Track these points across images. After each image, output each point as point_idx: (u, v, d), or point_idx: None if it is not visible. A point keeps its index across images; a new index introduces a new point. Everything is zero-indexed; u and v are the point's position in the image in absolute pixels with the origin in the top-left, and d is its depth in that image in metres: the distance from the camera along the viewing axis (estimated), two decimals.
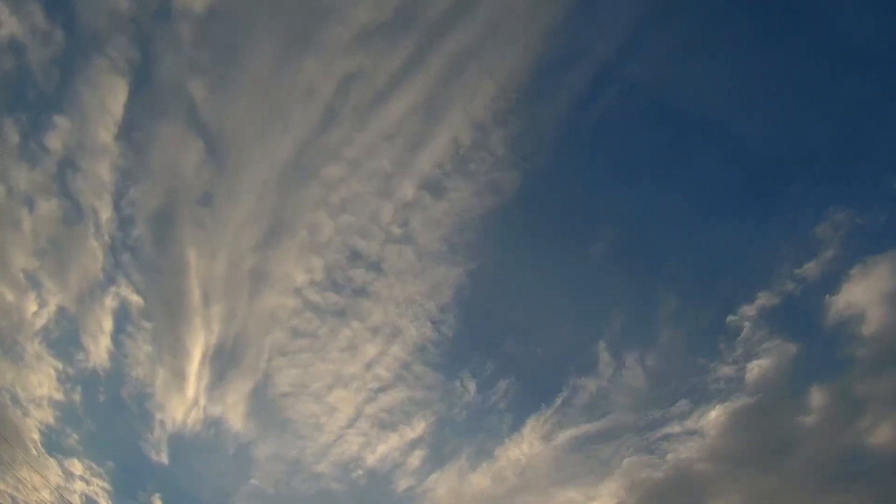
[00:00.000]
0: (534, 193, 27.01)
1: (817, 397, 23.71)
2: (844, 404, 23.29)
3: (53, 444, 35.95)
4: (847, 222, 22.18)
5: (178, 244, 29.23)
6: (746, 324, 24.08)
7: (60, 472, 37.26)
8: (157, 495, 36.13)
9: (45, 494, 39.31)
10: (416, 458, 33.17)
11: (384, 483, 34.03)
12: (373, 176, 27.23)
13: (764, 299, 23.86)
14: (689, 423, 26.03)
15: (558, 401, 29.53)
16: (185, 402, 34.67)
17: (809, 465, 24.14)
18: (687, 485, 26.24)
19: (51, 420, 34.83)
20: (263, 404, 33.97)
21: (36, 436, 36.27)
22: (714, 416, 25.37)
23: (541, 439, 30.48)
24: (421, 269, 28.90)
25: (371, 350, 31.39)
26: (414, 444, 32.91)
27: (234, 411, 34.03)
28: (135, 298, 30.46)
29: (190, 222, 28.64)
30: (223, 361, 33.17)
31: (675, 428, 26.37)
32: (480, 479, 31.85)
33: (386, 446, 33.44)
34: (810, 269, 22.90)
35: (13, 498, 36.94)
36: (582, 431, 29.49)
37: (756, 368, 24.29)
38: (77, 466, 36.58)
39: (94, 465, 35.26)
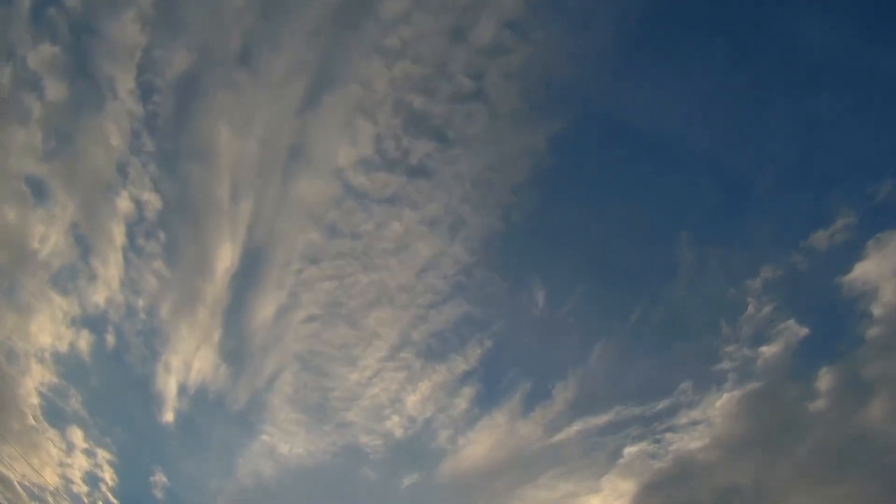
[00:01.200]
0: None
1: (825, 379, 22.89)
2: (853, 387, 22.38)
3: (55, 412, 33.96)
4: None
5: (208, 116, 25.46)
6: (751, 300, 23.50)
7: (63, 446, 35.07)
8: (161, 470, 33.73)
9: (47, 475, 36.98)
10: (463, 399, 28.57)
11: (423, 433, 29.64)
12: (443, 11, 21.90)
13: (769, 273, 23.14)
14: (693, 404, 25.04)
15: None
16: (199, 340, 30.81)
17: (817, 450, 23.21)
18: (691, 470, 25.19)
19: (53, 378, 32.98)
20: (285, 334, 29.40)
21: (35, 400, 34.27)
22: (719, 401, 24.70)
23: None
24: (496, 136, 23.49)
25: (425, 250, 25.99)
26: (463, 380, 28.14)
27: (252, 344, 29.30)
28: (152, 199, 26.12)
29: (223, 87, 24.88)
30: (245, 280, 26.26)
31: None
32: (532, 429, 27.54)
33: (430, 383, 28.49)
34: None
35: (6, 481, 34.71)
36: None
37: (763, 348, 23.72)
38: (78, 435, 34.59)
39: (98, 434, 33.47)
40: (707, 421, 25.36)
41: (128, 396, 32.71)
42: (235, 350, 29.47)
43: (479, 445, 29.40)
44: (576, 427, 27.07)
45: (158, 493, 35.99)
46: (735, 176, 23.52)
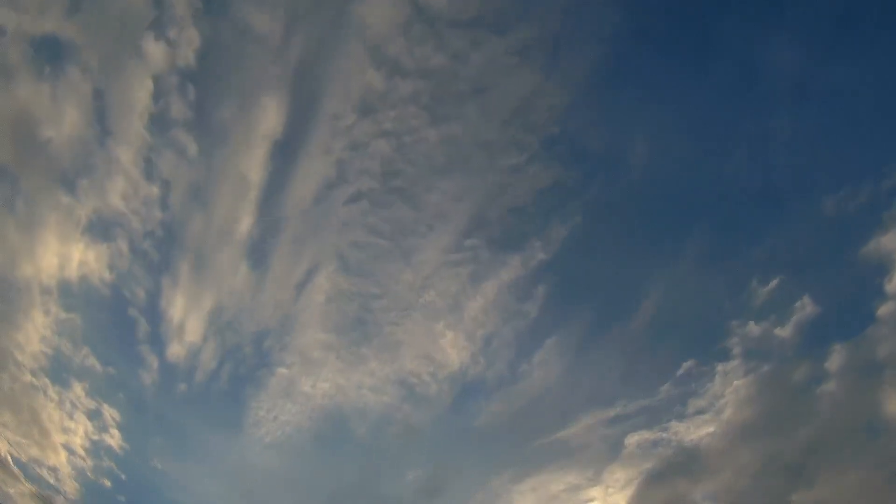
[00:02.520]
0: None
1: (835, 359, 21.60)
2: (864, 367, 21.13)
3: (60, 363, 30.99)
4: None
5: None
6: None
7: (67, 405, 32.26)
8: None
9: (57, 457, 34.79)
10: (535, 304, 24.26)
11: (485, 354, 25.53)
12: None
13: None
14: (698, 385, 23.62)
15: None
16: (220, 236, 26.32)
17: (826, 434, 22.15)
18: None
19: (60, 312, 29.45)
20: (325, 221, 24.76)
21: (38, 346, 30.91)
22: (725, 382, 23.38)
23: None
24: None
25: (514, 91, 20.43)
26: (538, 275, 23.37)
27: (283, 237, 25.03)
28: (190, 37, 21.57)
29: None
30: (287, 148, 21.52)
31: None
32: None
33: (497, 284, 23.81)
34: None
35: None
36: None
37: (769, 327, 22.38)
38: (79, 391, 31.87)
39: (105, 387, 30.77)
40: (713, 405, 23.91)
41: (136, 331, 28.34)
42: (261, 249, 23.59)
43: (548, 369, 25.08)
44: None
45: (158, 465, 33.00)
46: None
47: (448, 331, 25.48)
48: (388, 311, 25.15)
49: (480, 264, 23.36)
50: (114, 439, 33.95)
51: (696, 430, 24.16)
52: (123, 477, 34.76)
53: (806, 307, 21.90)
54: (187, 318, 28.08)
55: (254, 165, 22.95)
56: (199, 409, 31.83)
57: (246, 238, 24.89)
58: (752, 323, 22.57)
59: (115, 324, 29.38)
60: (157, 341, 29.23)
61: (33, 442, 35.78)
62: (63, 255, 26.89)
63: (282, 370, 28.39)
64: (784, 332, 22.18)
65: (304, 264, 25.10)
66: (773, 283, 22.09)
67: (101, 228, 25.28)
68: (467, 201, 22.31)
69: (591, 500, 26.31)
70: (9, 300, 29.15)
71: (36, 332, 29.65)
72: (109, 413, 32.83)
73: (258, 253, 25.15)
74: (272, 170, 22.86)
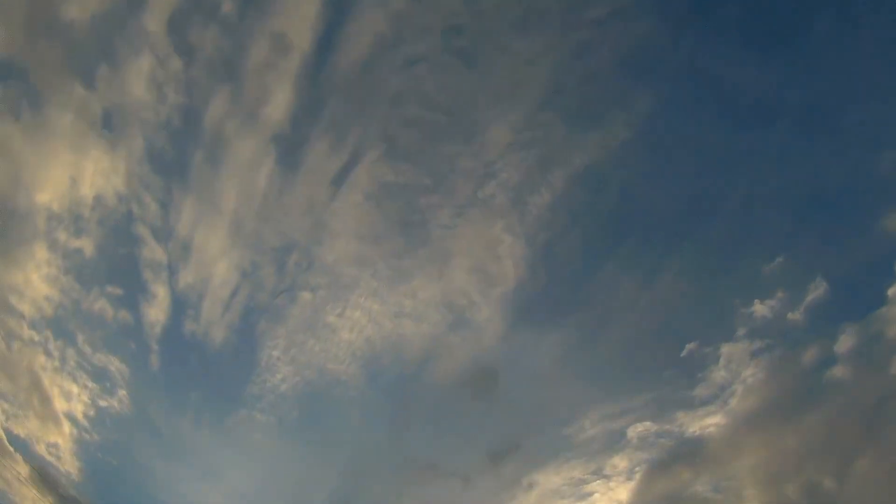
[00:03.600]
0: None
1: (845, 341, 20.62)
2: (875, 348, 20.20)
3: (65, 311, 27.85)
4: None
5: None
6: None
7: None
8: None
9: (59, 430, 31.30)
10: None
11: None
12: None
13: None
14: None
15: None
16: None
17: (835, 419, 21.05)
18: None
19: (69, 241, 26.04)
20: (377, 88, 21.24)
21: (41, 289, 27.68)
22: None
23: None
24: None
25: None
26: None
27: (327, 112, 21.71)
28: None
29: None
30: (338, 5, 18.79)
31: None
32: None
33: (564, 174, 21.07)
34: None
35: None
36: None
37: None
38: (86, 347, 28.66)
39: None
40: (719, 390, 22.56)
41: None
42: (294, 135, 20.27)
43: None
44: None
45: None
46: None
47: (507, 235, 21.73)
48: (439, 209, 21.44)
49: (551, 146, 19.85)
50: (121, 403, 30.30)
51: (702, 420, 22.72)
52: (129, 446, 31.51)
53: (817, 287, 21.01)
54: (201, 233, 23.89)
55: (298, 22, 19.39)
56: (209, 357, 27.17)
57: (276, 121, 21.09)
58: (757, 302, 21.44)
59: (125, 253, 26.16)
60: (169, 269, 24.76)
61: (32, 413, 30.70)
62: (73, 166, 24.10)
63: (305, 295, 24.19)
64: (793, 312, 21.20)
65: (343, 153, 21.43)
66: (780, 262, 21.12)
67: (115, 124, 22.52)
68: (542, 65, 18.93)
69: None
70: (8, 234, 24.73)
71: (39, 272, 26.40)
72: (117, 368, 28.83)
73: (289, 141, 21.39)
74: (318, 28, 19.30)
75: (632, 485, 24.32)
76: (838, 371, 20.79)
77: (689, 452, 23.27)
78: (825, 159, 20.25)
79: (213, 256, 24.85)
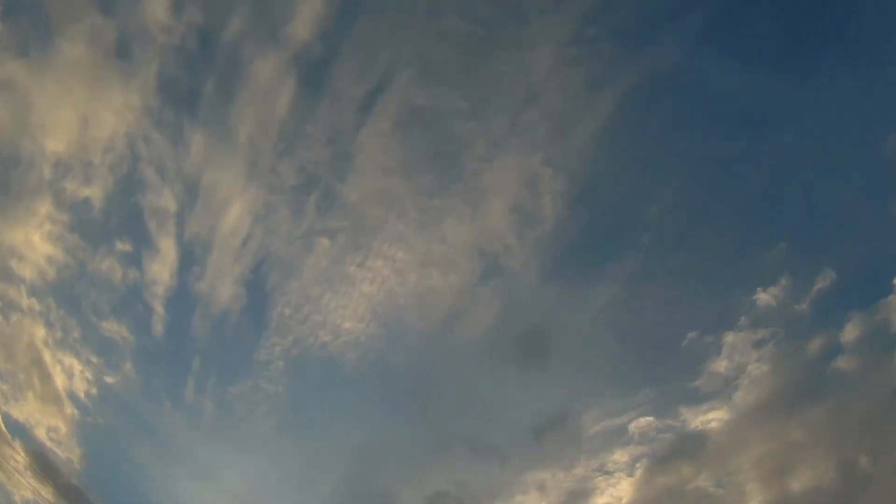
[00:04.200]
0: None
1: (851, 331, 20.06)
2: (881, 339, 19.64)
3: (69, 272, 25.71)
4: None
5: None
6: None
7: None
8: None
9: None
10: None
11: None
12: None
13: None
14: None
15: None
16: None
17: (841, 410, 20.38)
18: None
19: (77, 191, 24.18)
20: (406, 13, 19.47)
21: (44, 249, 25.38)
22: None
23: None
24: None
25: None
26: None
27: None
28: None
29: None
30: None
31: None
32: None
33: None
34: None
35: None
36: None
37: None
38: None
39: None
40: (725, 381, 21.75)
41: None
42: (319, 54, 18.79)
43: None
44: None
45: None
46: None
47: (547, 169, 19.87)
48: (475, 138, 19.51)
49: (600, 63, 18.20)
50: (126, 379, 28.40)
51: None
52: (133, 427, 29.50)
53: (824, 276, 20.47)
54: (212, 171, 21.88)
55: None
56: (215, 319, 24.94)
57: (300, 40, 19.30)
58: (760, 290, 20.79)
59: (133, 202, 24.39)
60: (177, 217, 22.81)
61: (32, 394, 28.53)
62: (85, 104, 22.46)
63: (323, 242, 22.07)
64: (798, 300, 20.63)
65: (373, 74, 19.61)
66: (784, 249, 20.61)
67: (131, 51, 21.21)
68: None
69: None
70: (9, 186, 23.38)
71: (41, 230, 24.69)
72: (123, 338, 27.36)
73: (313, 62, 19.58)
74: None
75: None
76: (844, 362, 20.18)
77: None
78: (831, 147, 19.74)
79: (224, 199, 22.73)
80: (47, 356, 28.66)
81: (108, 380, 28.59)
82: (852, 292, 20.31)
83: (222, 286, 24.64)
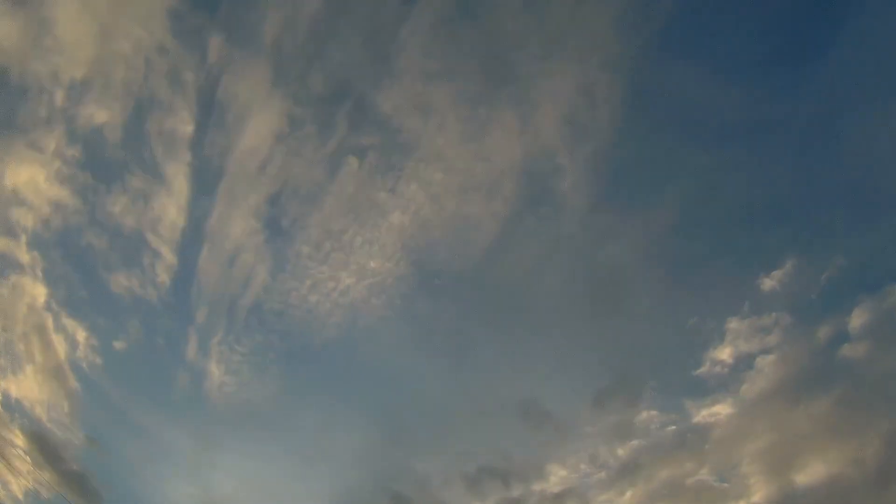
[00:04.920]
0: None
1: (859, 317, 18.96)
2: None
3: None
4: None
5: None
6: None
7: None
8: None
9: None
10: None
11: None
12: None
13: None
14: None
15: None
16: None
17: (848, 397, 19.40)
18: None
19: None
20: None
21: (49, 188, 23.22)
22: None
23: None
24: None
25: None
26: None
27: None
28: None
29: None
30: None
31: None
32: None
33: None
34: None
35: None
36: None
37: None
38: None
39: None
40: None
41: None
42: None
43: None
44: None
45: None
46: None
47: (606, 73, 17.83)
48: (529, 36, 17.43)
49: None
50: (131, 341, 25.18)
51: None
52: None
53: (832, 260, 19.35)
54: (230, 81, 19.70)
55: None
56: (224, 263, 22.46)
57: None
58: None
59: (147, 127, 22.01)
60: (191, 142, 20.73)
61: (31, 367, 25.59)
62: (106, 14, 20.45)
63: (351, 162, 19.73)
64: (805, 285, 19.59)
65: None
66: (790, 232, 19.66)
67: None
68: None
69: None
70: (13, 121, 21.98)
71: (49, 169, 22.70)
72: (128, 294, 25.10)
73: None
74: None
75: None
76: (852, 349, 19.08)
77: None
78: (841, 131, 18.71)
79: (242, 114, 20.28)
80: (49, 321, 25.44)
81: (117, 345, 25.25)
82: (861, 277, 19.10)
83: (235, 221, 21.85)
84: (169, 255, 23.70)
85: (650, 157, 20.73)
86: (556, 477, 23.16)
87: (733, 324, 19.98)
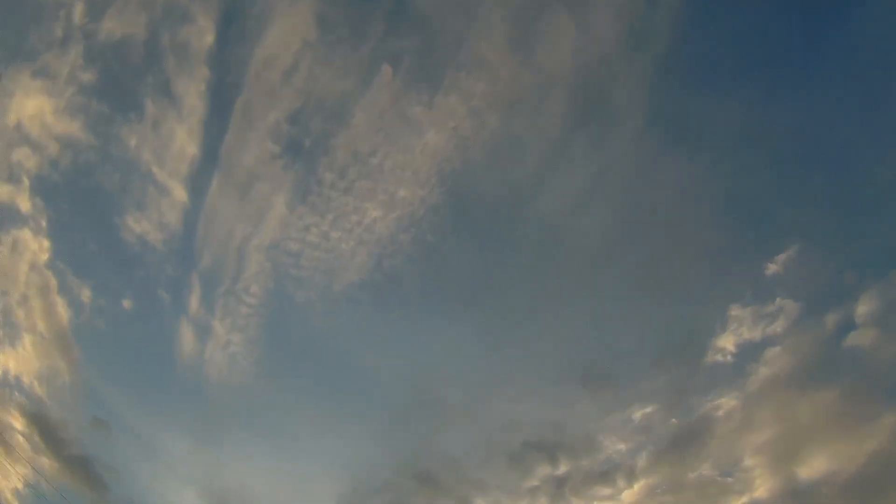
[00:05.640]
0: None
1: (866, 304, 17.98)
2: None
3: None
4: None
5: None
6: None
7: None
8: None
9: None
10: None
11: None
12: None
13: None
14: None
15: None
16: None
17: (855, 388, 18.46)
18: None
19: None
20: None
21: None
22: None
23: None
24: None
25: None
26: None
27: None
28: None
29: None
30: None
31: None
32: None
33: None
34: None
35: None
36: None
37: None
38: None
39: None
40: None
41: None
42: None
43: None
44: None
45: None
46: None
47: None
48: None
49: None
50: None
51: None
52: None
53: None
54: None
55: None
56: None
57: None
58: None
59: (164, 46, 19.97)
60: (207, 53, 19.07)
61: (29, 338, 24.02)
62: None
63: (384, 71, 18.05)
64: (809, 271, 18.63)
65: None
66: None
67: None
68: None
69: None
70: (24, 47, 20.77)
71: (60, 99, 20.82)
72: (146, 243, 22.63)
73: None
74: None
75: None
76: (858, 337, 17.99)
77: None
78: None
79: (265, 17, 18.62)
80: (52, 280, 22.78)
81: (125, 304, 22.52)
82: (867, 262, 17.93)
83: (251, 144, 19.66)
84: (178, 191, 21.33)
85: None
86: (609, 450, 19.83)
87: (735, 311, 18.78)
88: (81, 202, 22.29)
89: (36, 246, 22.87)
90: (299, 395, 23.04)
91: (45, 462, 24.16)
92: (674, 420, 19.89)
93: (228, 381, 22.89)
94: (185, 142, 20.84)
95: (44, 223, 22.28)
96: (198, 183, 21.25)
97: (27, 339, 24.02)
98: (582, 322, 20.63)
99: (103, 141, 20.94)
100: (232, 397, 23.41)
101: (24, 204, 22.29)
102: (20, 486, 24.03)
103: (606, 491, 20.14)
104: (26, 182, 21.95)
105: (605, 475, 20.54)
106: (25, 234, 22.73)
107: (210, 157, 21.03)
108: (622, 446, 20.26)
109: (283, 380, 22.74)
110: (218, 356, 22.81)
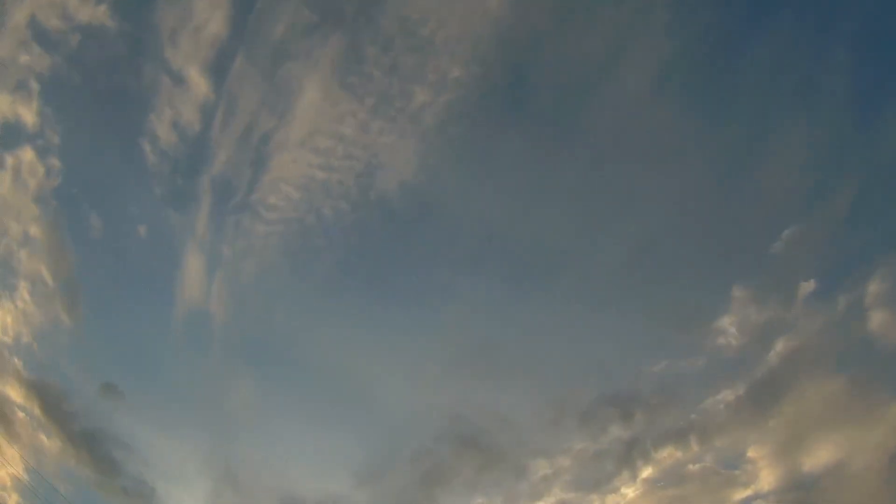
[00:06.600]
0: None
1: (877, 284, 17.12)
2: None
3: None
4: None
5: None
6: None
7: None
8: None
9: None
10: None
11: None
12: None
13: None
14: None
15: None
16: None
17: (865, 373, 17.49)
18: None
19: None
20: None
21: None
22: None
23: None
24: None
25: None
26: None
27: None
28: None
29: None
30: None
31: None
32: None
33: None
34: None
35: None
36: None
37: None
38: None
39: None
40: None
41: None
42: None
43: None
44: None
45: None
46: None
47: None
48: None
49: None
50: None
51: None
52: None
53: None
54: None
55: None
56: None
57: None
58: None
59: None
60: None
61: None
62: None
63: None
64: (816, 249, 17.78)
65: None
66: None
67: None
68: None
69: None
70: None
71: None
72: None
73: None
74: None
75: None
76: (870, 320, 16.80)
77: None
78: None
79: None
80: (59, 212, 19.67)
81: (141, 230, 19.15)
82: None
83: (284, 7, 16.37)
84: (198, 79, 18.07)
85: None
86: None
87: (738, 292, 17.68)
88: (101, 106, 19.19)
89: (42, 170, 19.48)
90: (324, 338, 18.86)
91: (46, 441, 20.32)
92: None
93: (238, 325, 19.12)
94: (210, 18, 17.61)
95: (56, 139, 19.01)
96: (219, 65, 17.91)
97: (23, 287, 20.36)
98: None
99: (131, 27, 17.85)
100: (244, 346, 19.68)
101: (31, 118, 18.99)
102: (20, 472, 20.09)
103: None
104: (36, 88, 18.65)
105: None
106: (28, 155, 19.34)
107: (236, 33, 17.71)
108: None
109: (304, 318, 18.62)
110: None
